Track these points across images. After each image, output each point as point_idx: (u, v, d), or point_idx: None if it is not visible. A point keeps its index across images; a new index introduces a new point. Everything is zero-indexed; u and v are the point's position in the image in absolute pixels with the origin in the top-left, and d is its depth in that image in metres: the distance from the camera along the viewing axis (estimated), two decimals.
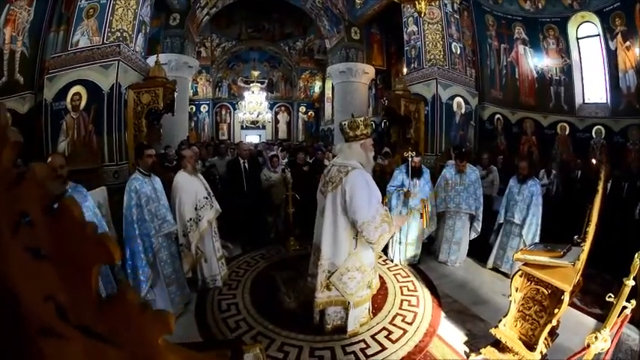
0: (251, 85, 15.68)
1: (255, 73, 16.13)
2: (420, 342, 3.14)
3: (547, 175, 6.87)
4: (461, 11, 8.30)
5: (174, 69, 10.02)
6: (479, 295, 4.17)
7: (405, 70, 8.60)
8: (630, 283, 2.14)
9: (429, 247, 5.41)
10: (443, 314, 3.65)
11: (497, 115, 8.83)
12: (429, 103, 7.76)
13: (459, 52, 8.07)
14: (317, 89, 18.98)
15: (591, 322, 3.53)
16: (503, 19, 8.82)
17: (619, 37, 7.47)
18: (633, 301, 2.16)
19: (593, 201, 2.44)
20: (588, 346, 2.27)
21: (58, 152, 4.77)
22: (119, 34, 5.53)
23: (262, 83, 17.42)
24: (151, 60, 6.33)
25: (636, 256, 2.13)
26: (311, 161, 6.81)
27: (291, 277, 4.43)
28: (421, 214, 4.82)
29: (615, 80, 7.67)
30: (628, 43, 7.32)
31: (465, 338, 3.23)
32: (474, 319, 3.57)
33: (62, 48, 5.79)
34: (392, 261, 5.07)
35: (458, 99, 7.96)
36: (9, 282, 0.57)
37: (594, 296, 3.87)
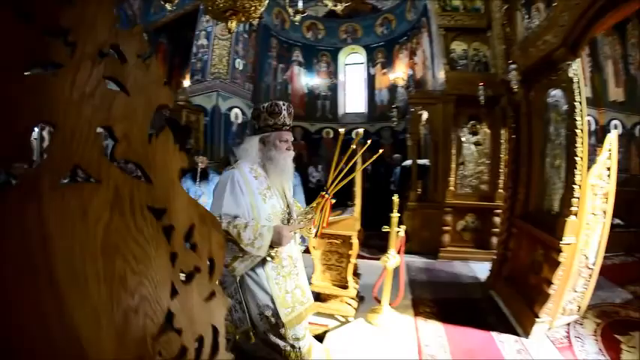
0: None
1: None
2: None
3: (315, 169, 8.54)
4: (250, 32, 9.09)
5: None
6: None
7: (186, 81, 8.74)
8: (395, 215, 2.97)
9: None
10: None
11: None
12: (209, 114, 8.12)
13: (241, 68, 8.79)
14: None
15: None
16: (285, 43, 10.25)
17: (378, 65, 10.47)
18: (403, 226, 3.01)
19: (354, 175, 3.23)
20: (385, 268, 2.98)
21: None
22: None
23: None
24: None
25: (394, 197, 2.98)
26: None
27: None
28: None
29: (372, 96, 10.64)
30: (385, 70, 10.34)
31: None
32: None
33: None
34: None
35: (236, 110, 8.64)
36: (54, 116, 0.58)
37: (381, 249, 5.01)
